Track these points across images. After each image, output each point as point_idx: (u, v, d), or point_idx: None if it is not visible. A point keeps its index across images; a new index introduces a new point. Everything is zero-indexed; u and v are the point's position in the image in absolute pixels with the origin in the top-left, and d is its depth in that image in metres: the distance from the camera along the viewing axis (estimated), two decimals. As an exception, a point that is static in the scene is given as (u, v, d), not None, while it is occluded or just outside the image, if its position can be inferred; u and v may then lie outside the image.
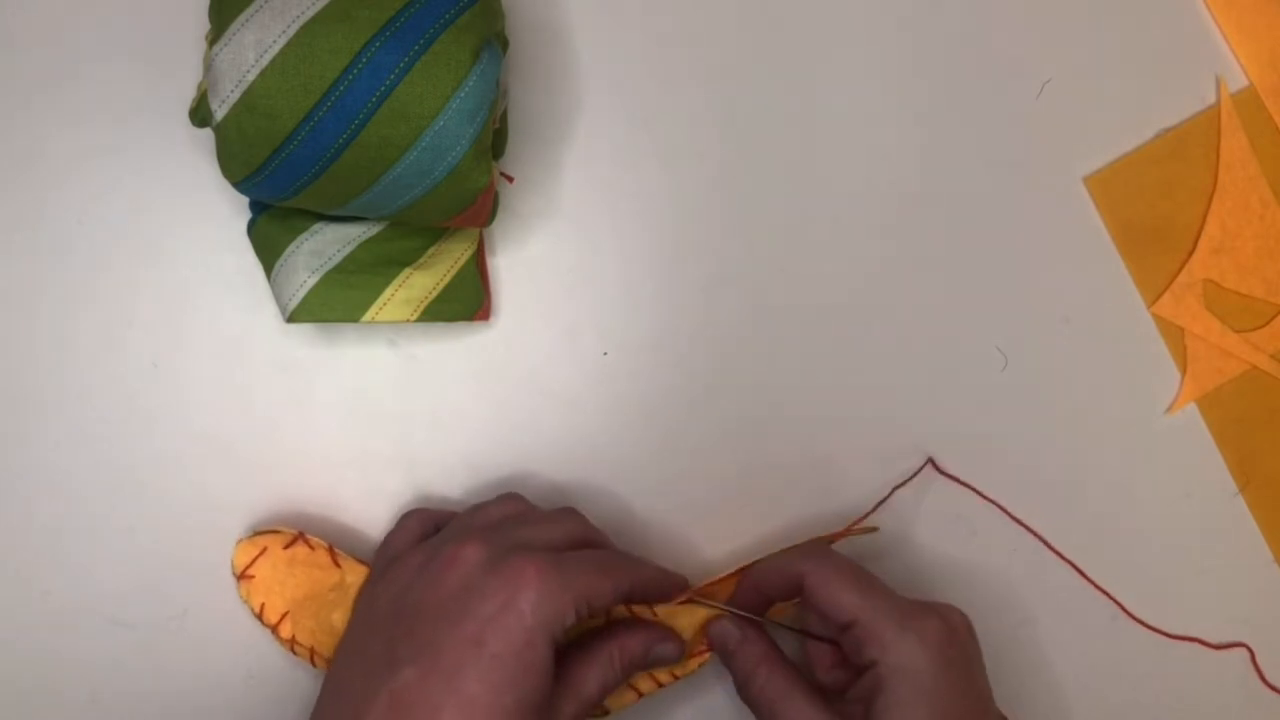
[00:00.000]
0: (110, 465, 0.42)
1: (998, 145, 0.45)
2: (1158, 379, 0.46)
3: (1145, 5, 0.46)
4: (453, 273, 0.41)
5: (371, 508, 0.42)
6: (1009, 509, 0.45)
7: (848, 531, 0.42)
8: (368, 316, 0.40)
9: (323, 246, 0.40)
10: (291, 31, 0.35)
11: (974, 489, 0.44)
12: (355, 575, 0.41)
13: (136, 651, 0.42)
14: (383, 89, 0.35)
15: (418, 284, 0.41)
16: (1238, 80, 0.46)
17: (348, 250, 0.41)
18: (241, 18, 0.35)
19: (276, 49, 0.35)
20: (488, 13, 0.37)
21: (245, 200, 0.42)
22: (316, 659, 0.41)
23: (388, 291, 0.41)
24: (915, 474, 0.44)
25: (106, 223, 0.43)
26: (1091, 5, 0.46)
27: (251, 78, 0.35)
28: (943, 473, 0.44)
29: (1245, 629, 0.46)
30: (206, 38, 0.37)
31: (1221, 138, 0.46)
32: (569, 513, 0.40)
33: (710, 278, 0.44)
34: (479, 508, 0.41)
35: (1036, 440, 0.45)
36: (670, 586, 0.40)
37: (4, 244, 0.42)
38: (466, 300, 0.42)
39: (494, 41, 0.38)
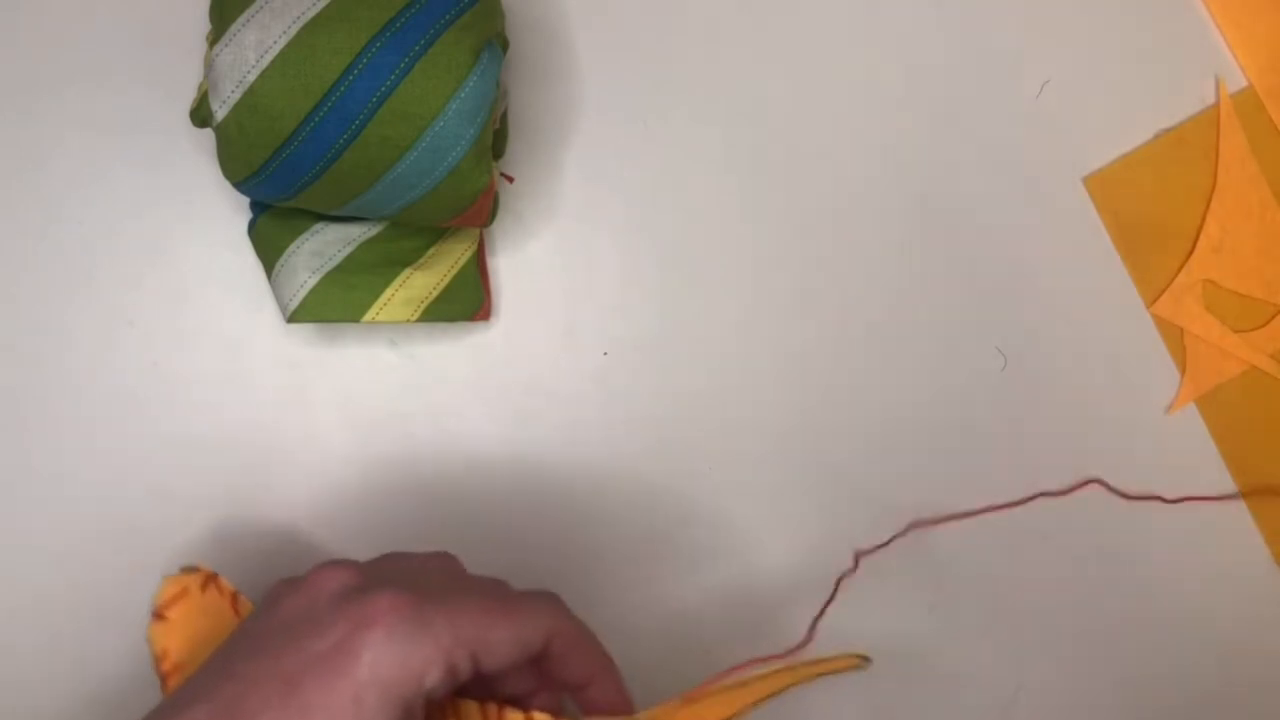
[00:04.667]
0: (110, 465, 0.42)
1: (998, 145, 0.45)
2: (1158, 379, 0.46)
3: (1145, 5, 0.46)
4: (453, 273, 0.41)
5: (373, 509, 0.42)
6: (1008, 509, 0.45)
7: (834, 667, 0.38)
8: (368, 316, 0.40)
9: (323, 246, 0.40)
10: (292, 32, 0.35)
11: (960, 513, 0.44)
12: None
13: (136, 651, 0.42)
14: (383, 89, 0.35)
15: (418, 284, 0.41)
16: (1237, 80, 0.46)
17: (348, 250, 0.41)
18: (242, 18, 0.35)
19: (277, 49, 0.35)
20: (488, 13, 0.37)
21: (245, 200, 0.42)
22: None
23: (388, 292, 0.41)
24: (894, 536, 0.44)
25: (107, 223, 0.43)
26: (1091, 5, 0.46)
27: (252, 78, 0.35)
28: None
29: (1245, 629, 0.46)
30: (207, 38, 0.37)
31: (1221, 138, 0.46)
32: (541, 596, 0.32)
33: (710, 277, 0.44)
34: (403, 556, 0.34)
35: (1036, 441, 0.45)
36: (611, 688, 0.33)
37: (4, 244, 0.42)
38: (466, 300, 0.42)
39: (494, 42, 0.38)
